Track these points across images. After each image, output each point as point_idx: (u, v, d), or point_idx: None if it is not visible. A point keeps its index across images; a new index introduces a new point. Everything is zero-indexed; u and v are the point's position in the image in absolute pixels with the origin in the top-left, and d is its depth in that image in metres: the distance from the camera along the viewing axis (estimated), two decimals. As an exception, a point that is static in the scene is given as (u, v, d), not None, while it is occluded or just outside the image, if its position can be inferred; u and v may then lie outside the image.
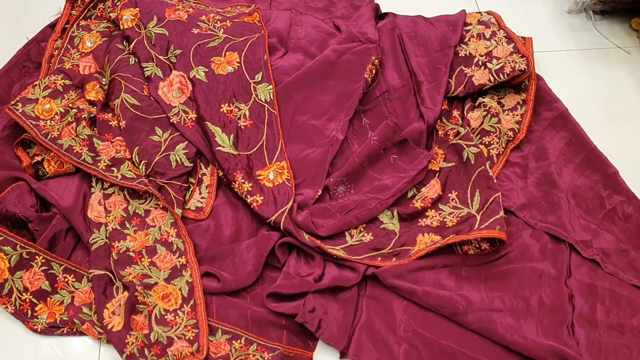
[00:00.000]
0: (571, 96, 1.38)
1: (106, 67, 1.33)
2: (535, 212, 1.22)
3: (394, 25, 1.41)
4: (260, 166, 1.21)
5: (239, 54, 1.30)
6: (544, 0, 1.61)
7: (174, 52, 1.30)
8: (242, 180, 1.18)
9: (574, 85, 1.44)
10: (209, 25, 1.35)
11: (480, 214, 1.14)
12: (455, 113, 1.34)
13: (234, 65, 1.29)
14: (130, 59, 1.33)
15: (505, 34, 1.42)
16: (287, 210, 1.14)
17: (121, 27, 1.36)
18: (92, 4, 1.47)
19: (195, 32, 1.33)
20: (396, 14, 1.46)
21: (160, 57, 1.30)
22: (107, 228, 1.14)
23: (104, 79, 1.33)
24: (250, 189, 1.17)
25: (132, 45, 1.32)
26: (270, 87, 1.28)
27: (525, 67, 1.31)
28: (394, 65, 1.37)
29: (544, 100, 1.37)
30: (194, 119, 1.24)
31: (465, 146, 1.23)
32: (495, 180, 1.18)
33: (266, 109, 1.26)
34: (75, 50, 1.39)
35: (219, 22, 1.36)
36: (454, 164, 1.24)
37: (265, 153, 1.22)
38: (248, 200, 1.16)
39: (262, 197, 1.16)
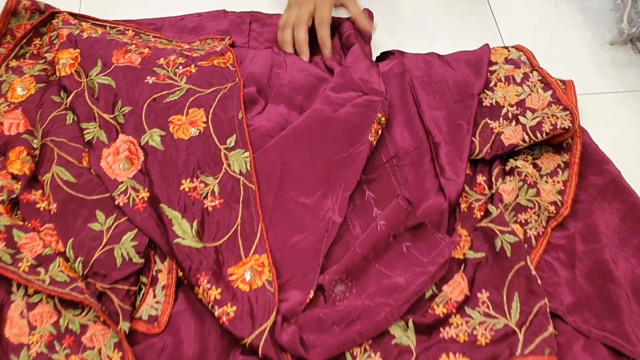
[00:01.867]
0: (620, 153, 1.10)
1: (37, 126, 1.04)
2: (588, 314, 0.95)
3: (403, 69, 1.13)
4: (234, 261, 0.93)
5: (205, 112, 1.02)
6: (581, 29, 1.34)
7: (122, 109, 1.02)
8: (208, 285, 0.90)
9: (623, 138, 1.17)
10: (168, 71, 1.06)
11: (522, 330, 0.87)
12: (480, 179, 1.07)
13: (199, 126, 1.01)
14: (68, 117, 1.04)
15: (539, 77, 1.14)
16: (267, 328, 0.86)
17: (57, 74, 1.07)
18: (25, 40, 1.18)
19: (150, 81, 1.04)
20: (403, 52, 1.18)
21: (105, 115, 1.02)
22: (30, 352, 0.86)
23: (35, 141, 1.04)
24: (218, 297, 0.89)
25: (69, 99, 1.03)
26: (247, 154, 1.00)
27: (570, 124, 1.04)
28: (403, 120, 1.09)
29: (591, 160, 1.09)
30: (145, 199, 0.96)
31: (498, 232, 0.96)
32: (539, 282, 0.91)
33: (241, 182, 0.98)
34: (2, 100, 1.10)
35: (181, 66, 1.07)
36: (483, 254, 0.96)
37: (240, 242, 0.94)
38: (216, 313, 0.88)
39: (234, 308, 0.88)
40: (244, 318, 0.87)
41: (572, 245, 1.02)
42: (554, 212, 1.03)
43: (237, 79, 1.07)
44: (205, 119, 1.01)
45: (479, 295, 0.93)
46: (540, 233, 1.02)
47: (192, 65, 1.08)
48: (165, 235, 0.93)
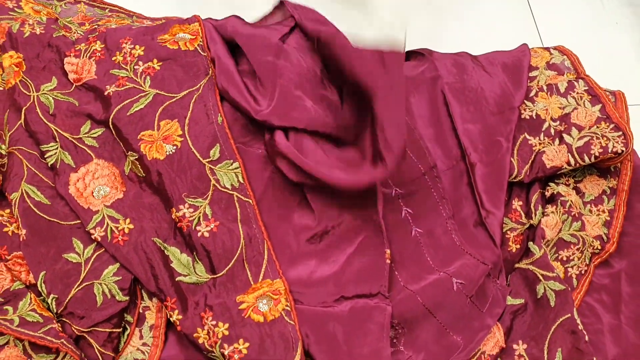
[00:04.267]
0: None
1: (5, 129, 0.88)
2: (635, 370, 0.84)
3: (436, 74, 0.97)
4: (242, 288, 0.79)
5: (180, 123, 0.85)
6: (628, 27, 1.19)
7: (92, 132, 0.86)
8: (213, 322, 0.77)
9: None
10: (127, 71, 0.88)
11: (567, 396, 0.75)
12: (516, 204, 0.94)
13: (175, 141, 0.85)
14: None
15: (586, 88, 1.00)
16: None
17: (4, 84, 0.90)
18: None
19: (111, 90, 0.86)
20: (432, 51, 1.02)
21: (67, 134, 0.85)
22: (-6, 404, 0.73)
23: (3, 147, 0.88)
24: (226, 332, 0.76)
25: (22, 118, 0.87)
26: (236, 164, 0.85)
27: (623, 148, 0.91)
28: (434, 135, 0.94)
29: (639, 187, 0.96)
30: (127, 232, 0.81)
31: (541, 277, 0.83)
32: (587, 339, 0.79)
33: (235, 199, 0.84)
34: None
35: (140, 62, 0.88)
36: (522, 300, 0.85)
37: (247, 267, 0.81)
38: (225, 353, 0.75)
39: (247, 344, 0.76)
40: (260, 356, 0.75)
41: (617, 286, 0.90)
42: (599, 247, 0.91)
43: (210, 72, 0.89)
44: (181, 132, 0.85)
45: (514, 347, 0.82)
46: (583, 272, 0.90)
47: (155, 60, 0.89)
48: (155, 272, 0.80)
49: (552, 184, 0.95)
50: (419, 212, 0.89)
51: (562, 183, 0.95)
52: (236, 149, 0.86)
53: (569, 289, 0.82)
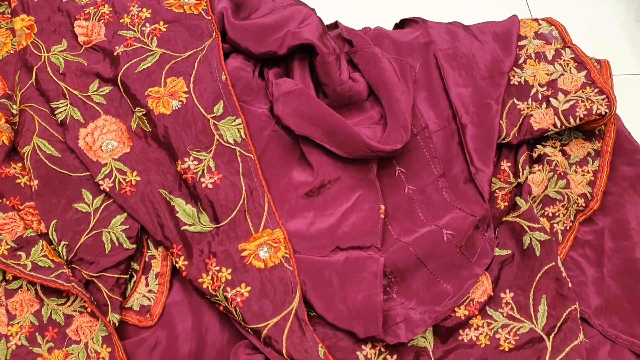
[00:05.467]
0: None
1: (16, 89, 0.93)
2: (616, 318, 0.88)
3: (429, 39, 1.02)
4: (244, 237, 0.84)
5: (185, 80, 0.90)
6: (614, 1, 1.23)
7: (100, 90, 0.91)
8: (217, 268, 0.81)
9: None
10: (135, 32, 0.93)
11: (550, 338, 0.80)
12: (505, 165, 0.98)
13: (181, 97, 0.89)
14: (46, 87, 0.92)
15: (573, 55, 1.04)
16: (291, 312, 0.78)
17: (16, 46, 0.95)
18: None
19: (120, 51, 0.92)
20: (426, 20, 1.07)
21: (76, 92, 0.90)
22: (9, 344, 0.78)
23: (14, 107, 0.93)
24: (229, 277, 0.81)
25: (33, 77, 0.91)
26: (239, 120, 0.89)
27: (606, 110, 0.95)
28: (427, 97, 0.99)
29: (622, 149, 1.01)
30: (134, 183, 0.85)
31: (527, 229, 0.88)
32: (570, 285, 0.83)
33: (237, 153, 0.88)
34: (-24, 58, 0.98)
35: (147, 24, 0.94)
36: (510, 251, 0.89)
37: (249, 217, 0.85)
38: (228, 296, 0.79)
39: (249, 288, 0.80)
40: (261, 299, 0.79)
41: (600, 242, 0.95)
42: (583, 205, 0.95)
43: (214, 34, 0.95)
44: (186, 89, 0.90)
45: (502, 295, 0.86)
46: (568, 228, 0.94)
47: (161, 22, 0.95)
48: (161, 222, 0.84)
49: (539, 146, 0.99)
50: (411, 170, 0.94)
51: (549, 145, 1.00)
52: (239, 106, 0.90)
53: (553, 238, 0.87)
